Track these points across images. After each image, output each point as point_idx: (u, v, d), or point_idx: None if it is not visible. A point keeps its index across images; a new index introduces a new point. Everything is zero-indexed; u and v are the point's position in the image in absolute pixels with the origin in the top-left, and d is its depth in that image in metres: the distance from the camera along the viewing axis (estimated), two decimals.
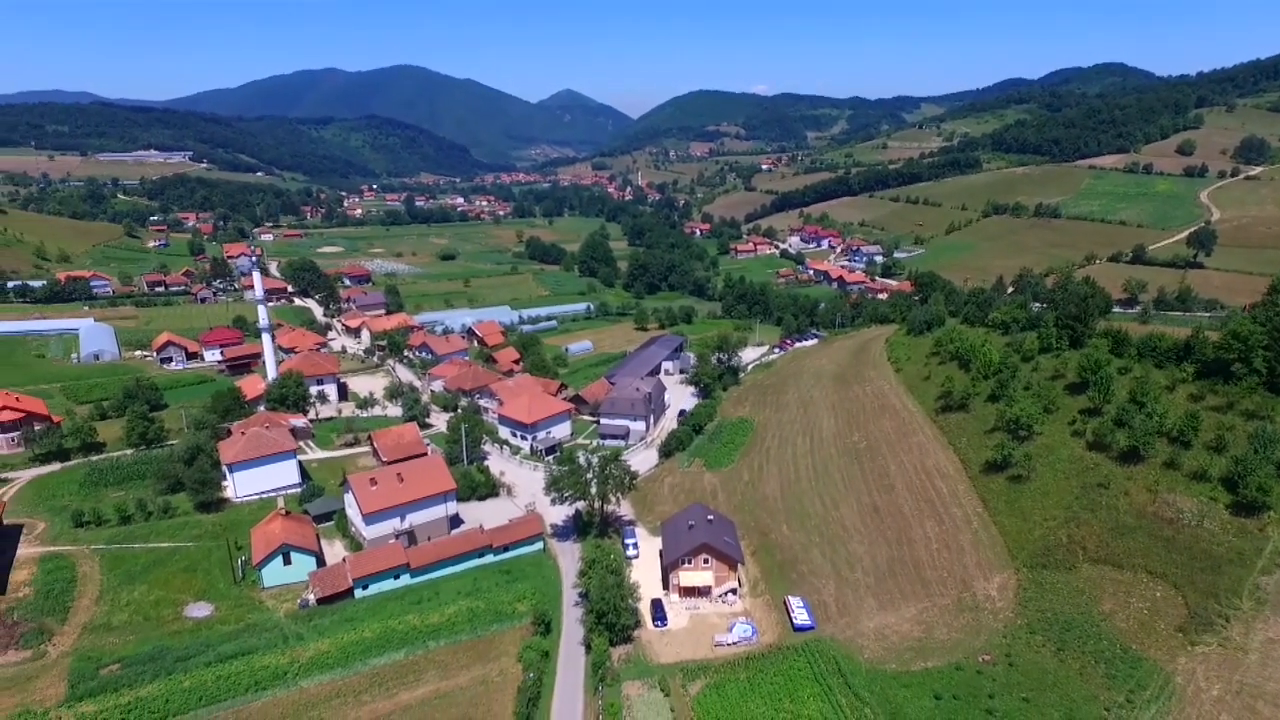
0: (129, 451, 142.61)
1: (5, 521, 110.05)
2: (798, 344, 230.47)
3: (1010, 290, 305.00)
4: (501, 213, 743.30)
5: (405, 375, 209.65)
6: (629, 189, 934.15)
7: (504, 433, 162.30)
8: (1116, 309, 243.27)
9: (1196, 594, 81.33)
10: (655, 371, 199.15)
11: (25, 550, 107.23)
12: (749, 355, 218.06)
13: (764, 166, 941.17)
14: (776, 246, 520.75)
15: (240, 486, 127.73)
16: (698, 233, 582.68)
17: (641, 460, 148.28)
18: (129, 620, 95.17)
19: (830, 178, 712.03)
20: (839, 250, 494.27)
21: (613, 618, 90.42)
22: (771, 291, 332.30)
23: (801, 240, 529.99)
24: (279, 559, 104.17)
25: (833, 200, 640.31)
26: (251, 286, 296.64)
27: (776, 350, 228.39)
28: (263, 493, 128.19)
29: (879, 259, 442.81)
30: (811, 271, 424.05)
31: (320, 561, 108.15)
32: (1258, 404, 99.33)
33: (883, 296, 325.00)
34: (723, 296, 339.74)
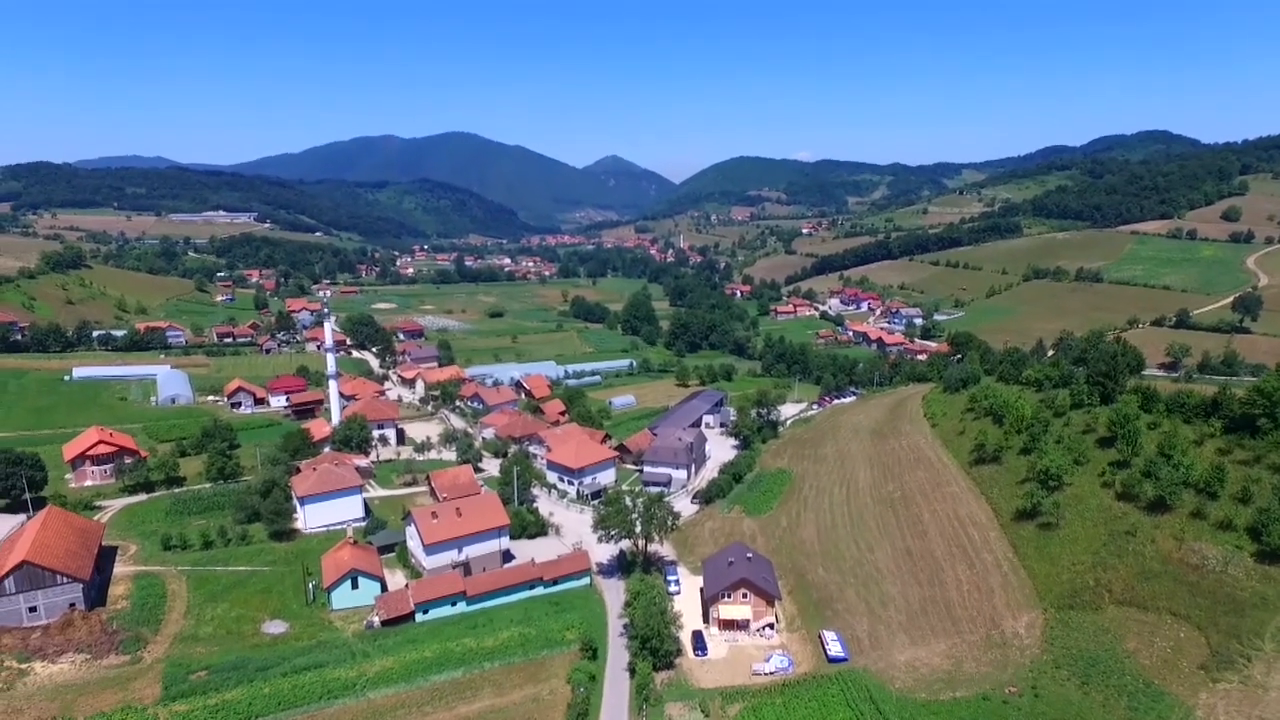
0: (208, 485, 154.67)
1: (104, 543, 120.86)
2: (836, 401, 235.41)
3: (1050, 353, 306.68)
4: (547, 273, 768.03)
5: (458, 423, 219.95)
6: (671, 251, 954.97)
7: (552, 477, 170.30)
8: (1160, 372, 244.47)
9: (1219, 635, 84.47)
10: (697, 424, 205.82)
11: (121, 568, 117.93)
12: (788, 411, 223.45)
13: (804, 230, 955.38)
14: (816, 308, 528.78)
15: (310, 518, 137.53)
16: (738, 294, 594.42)
17: (682, 507, 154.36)
18: (213, 633, 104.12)
19: (870, 242, 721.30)
20: (878, 312, 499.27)
21: (656, 643, 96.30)
22: (811, 351, 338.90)
23: (841, 302, 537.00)
24: (348, 583, 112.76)
25: (872, 264, 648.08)
26: (315, 339, 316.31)
27: (815, 407, 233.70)
28: (330, 525, 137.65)
29: (918, 321, 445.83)
30: (851, 333, 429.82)
31: (384, 587, 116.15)
32: None
33: (921, 357, 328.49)
34: (762, 355, 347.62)
